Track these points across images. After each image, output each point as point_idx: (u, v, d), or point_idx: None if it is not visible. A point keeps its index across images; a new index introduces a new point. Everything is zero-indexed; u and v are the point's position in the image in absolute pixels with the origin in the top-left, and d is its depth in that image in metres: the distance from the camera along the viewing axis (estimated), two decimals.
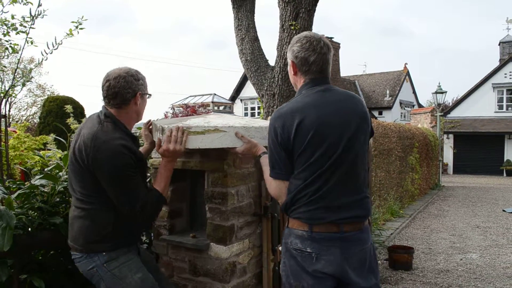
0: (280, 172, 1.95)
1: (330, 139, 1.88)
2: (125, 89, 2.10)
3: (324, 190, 1.89)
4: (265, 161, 2.11)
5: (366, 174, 2.06)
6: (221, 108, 27.26)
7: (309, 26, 5.22)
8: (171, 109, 24.28)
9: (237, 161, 2.57)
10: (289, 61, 2.06)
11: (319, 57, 1.96)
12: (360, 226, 1.96)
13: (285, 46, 5.16)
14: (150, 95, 2.29)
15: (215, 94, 27.41)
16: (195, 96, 27.62)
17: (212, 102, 25.75)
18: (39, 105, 25.98)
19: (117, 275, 2.06)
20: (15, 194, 2.31)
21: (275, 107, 5.21)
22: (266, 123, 2.56)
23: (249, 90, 27.30)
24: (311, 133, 1.87)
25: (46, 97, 21.30)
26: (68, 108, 5.29)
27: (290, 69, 2.08)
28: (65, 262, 2.66)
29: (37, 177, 2.39)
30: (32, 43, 3.51)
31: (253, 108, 29.08)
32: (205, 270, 2.57)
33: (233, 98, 29.52)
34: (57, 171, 2.57)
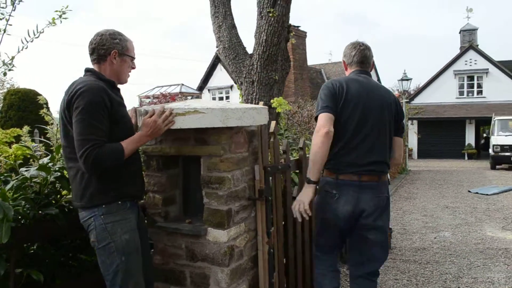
0: (331, 107, 2.53)
1: (365, 108, 2.54)
2: (99, 45, 2.18)
3: (350, 147, 2.55)
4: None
5: (389, 146, 2.68)
6: (189, 98, 26.97)
7: (286, 13, 5.23)
8: (139, 99, 23.85)
9: (232, 146, 2.59)
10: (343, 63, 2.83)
11: (358, 52, 2.70)
12: (376, 179, 2.59)
13: (263, 33, 5.16)
14: (132, 57, 2.32)
15: (182, 85, 27.09)
16: (162, 86, 27.21)
17: (180, 92, 25.46)
18: None
19: (108, 230, 2.11)
20: (9, 185, 2.24)
21: (254, 94, 5.21)
22: (241, 105, 2.74)
23: (217, 80, 27.06)
24: (354, 102, 2.53)
25: (6, 90, 20.46)
26: (41, 99, 5.15)
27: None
28: (58, 254, 2.62)
29: (31, 168, 2.32)
30: (5, 31, 3.38)
31: (221, 98, 28.72)
32: (203, 255, 2.59)
33: (201, 88, 29.16)
34: (48, 160, 2.51)
